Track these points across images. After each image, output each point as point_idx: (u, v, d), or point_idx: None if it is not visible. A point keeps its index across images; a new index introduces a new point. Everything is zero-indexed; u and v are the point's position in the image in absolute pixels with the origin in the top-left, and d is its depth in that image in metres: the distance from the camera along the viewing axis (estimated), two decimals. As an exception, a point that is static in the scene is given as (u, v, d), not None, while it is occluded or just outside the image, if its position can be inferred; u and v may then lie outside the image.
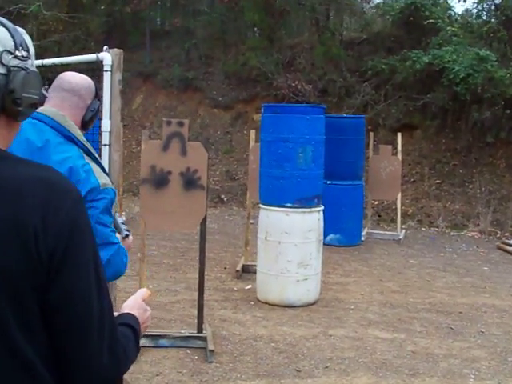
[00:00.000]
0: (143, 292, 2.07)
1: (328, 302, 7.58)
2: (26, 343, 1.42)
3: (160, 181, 5.94)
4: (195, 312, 7.01)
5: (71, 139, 2.75)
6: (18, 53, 1.55)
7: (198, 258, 9.54)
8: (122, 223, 3.10)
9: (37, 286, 1.42)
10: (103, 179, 2.76)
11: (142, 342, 5.98)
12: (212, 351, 5.74)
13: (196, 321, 6.20)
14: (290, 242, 7.25)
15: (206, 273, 8.71)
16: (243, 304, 7.44)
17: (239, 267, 8.71)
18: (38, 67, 3.04)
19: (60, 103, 2.86)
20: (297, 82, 15.81)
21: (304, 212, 7.27)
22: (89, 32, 19.40)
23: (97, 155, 2.84)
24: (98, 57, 3.52)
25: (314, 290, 7.46)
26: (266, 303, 7.41)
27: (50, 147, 2.69)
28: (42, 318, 1.45)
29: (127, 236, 3.12)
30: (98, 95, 3.00)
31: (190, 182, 5.94)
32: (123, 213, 12.85)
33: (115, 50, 3.54)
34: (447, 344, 6.32)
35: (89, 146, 2.79)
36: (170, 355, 5.84)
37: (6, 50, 1.53)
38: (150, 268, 8.97)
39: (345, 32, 17.37)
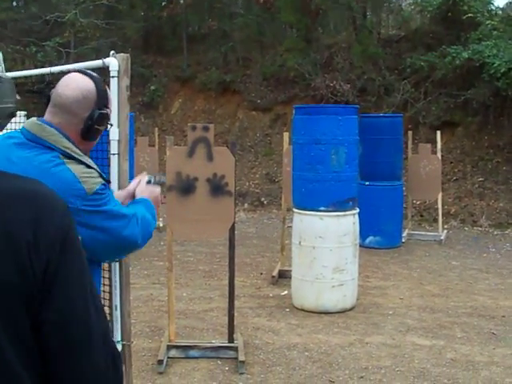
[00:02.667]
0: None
1: (366, 307, 7.36)
2: (16, 357, 1.34)
3: (186, 188, 5.79)
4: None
5: (50, 148, 2.55)
6: None
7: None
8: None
9: (30, 302, 1.35)
10: (88, 183, 2.55)
11: (172, 353, 5.86)
12: (242, 362, 5.57)
13: (232, 330, 6.03)
14: (324, 247, 7.05)
15: (241, 279, 8.64)
16: (278, 311, 7.26)
17: (275, 273, 8.54)
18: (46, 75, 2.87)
19: (51, 119, 2.65)
20: (335, 82, 15.60)
21: (338, 216, 7.06)
22: (126, 38, 19.42)
23: (85, 158, 2.63)
24: (104, 62, 3.37)
25: (351, 295, 7.25)
26: (302, 310, 7.22)
27: (27, 162, 2.52)
28: (34, 336, 1.37)
29: (150, 182, 3.11)
30: (99, 102, 2.69)
31: (217, 188, 5.78)
32: (161, 219, 12.77)
33: (122, 54, 3.40)
34: (489, 351, 6.05)
35: (73, 149, 2.58)
36: (200, 366, 5.69)
37: None
38: (185, 275, 8.88)
39: (382, 30, 17.09)
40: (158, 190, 3.14)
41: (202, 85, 18.43)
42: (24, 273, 1.34)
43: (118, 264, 3.41)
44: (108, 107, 2.78)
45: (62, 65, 3.75)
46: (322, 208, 7.05)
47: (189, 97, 19.16)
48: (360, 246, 10.21)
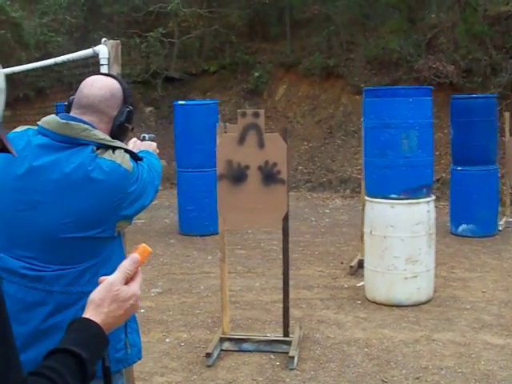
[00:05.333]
0: (132, 261, 1.59)
1: (443, 300, 6.92)
2: None
3: (238, 176, 5.59)
4: (295, 312, 6.67)
5: (81, 143, 2.47)
6: None
7: (317, 253, 9.26)
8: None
9: None
10: (125, 163, 2.50)
11: (225, 345, 5.70)
12: (292, 357, 5.31)
13: (287, 323, 5.79)
14: (395, 237, 6.68)
15: (320, 269, 8.40)
16: (349, 303, 6.94)
17: (354, 263, 8.21)
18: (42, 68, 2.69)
19: (80, 118, 2.56)
20: (438, 64, 14.93)
21: (410, 204, 6.66)
22: (229, 25, 19.36)
23: (116, 142, 2.55)
24: (93, 50, 3.22)
25: (426, 287, 6.83)
26: (374, 302, 6.88)
27: (62, 163, 2.45)
28: None
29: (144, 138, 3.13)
30: (126, 100, 2.63)
31: (269, 176, 5.55)
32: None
33: (111, 41, 3.23)
34: None
35: (107, 139, 2.51)
36: (252, 360, 5.49)
37: None
38: (264, 264, 8.70)
39: (489, 7, 16.18)
40: (154, 143, 3.12)
41: (306, 70, 18.13)
42: None
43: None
44: (133, 105, 2.70)
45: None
46: (393, 195, 6.67)
47: (293, 82, 18.92)
48: (453, 234, 9.85)
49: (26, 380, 1.27)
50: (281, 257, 8.99)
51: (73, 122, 2.49)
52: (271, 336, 5.83)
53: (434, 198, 6.87)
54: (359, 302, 6.97)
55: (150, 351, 5.73)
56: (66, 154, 2.45)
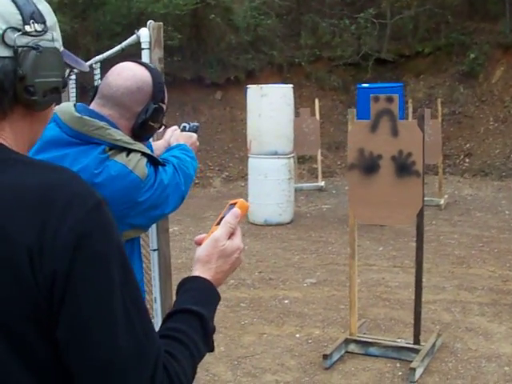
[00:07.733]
0: (234, 216, 1.54)
1: None
2: (28, 378, 1.16)
3: (370, 166, 5.16)
4: (445, 317, 6.16)
5: (92, 142, 2.23)
6: (27, 28, 1.26)
7: (496, 250, 8.51)
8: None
9: (37, 318, 1.15)
10: (139, 169, 2.24)
11: (351, 347, 5.33)
12: (413, 369, 4.81)
13: (418, 330, 5.28)
14: None
15: (492, 269, 7.67)
16: (509, 311, 6.21)
17: (531, 264, 7.42)
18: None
19: (99, 111, 2.32)
20: None
21: None
22: (444, 5, 18.43)
23: (135, 145, 2.28)
24: (137, 35, 2.99)
25: None
26: (539, 312, 6.14)
27: (69, 160, 2.21)
28: (52, 354, 1.17)
29: (185, 129, 2.88)
30: (155, 96, 2.33)
31: (403, 167, 5.06)
32: (445, 196, 11.95)
33: (154, 23, 2.99)
34: None
35: (124, 140, 2.25)
36: (374, 367, 5.07)
37: (10, 28, 1.23)
38: (434, 259, 8.13)
39: None
40: (194, 135, 2.84)
41: (526, 51, 16.87)
42: (24, 286, 1.13)
43: (156, 253, 3.02)
44: (164, 103, 2.41)
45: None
46: None
47: (511, 64, 17.70)
48: None
49: (160, 346, 1.25)
50: (455, 252, 8.49)
51: (87, 118, 2.23)
52: (400, 342, 5.34)
53: None
54: (522, 310, 6.25)
55: (273, 346, 5.52)
56: (75, 152, 2.21)
